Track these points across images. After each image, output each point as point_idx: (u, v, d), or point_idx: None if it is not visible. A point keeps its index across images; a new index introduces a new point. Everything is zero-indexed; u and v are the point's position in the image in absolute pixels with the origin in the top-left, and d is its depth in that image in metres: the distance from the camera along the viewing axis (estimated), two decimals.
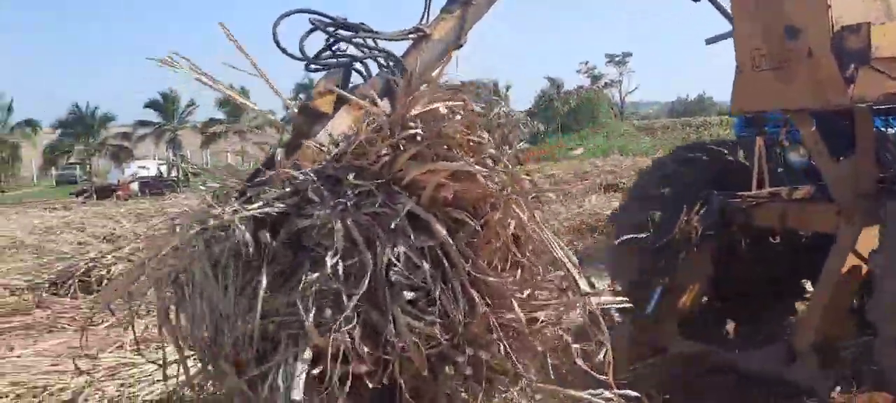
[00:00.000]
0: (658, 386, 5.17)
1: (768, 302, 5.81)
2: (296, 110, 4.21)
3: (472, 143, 3.54)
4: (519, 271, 3.44)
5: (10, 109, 55.55)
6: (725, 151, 6.17)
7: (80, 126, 56.24)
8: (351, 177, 3.45)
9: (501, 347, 3.29)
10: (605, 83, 66.84)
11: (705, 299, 6.03)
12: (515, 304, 3.26)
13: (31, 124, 57.15)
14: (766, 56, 4.51)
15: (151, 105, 58.69)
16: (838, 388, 4.19)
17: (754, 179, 5.98)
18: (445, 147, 3.49)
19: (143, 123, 59.65)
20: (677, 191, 5.88)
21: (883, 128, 5.42)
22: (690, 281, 5.63)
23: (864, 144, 4.67)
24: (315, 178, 3.53)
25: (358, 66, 4.41)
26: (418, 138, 3.48)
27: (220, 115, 59.03)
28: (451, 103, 3.58)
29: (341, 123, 3.96)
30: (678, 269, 5.64)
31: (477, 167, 3.36)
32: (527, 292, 3.41)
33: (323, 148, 3.77)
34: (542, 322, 3.42)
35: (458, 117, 3.54)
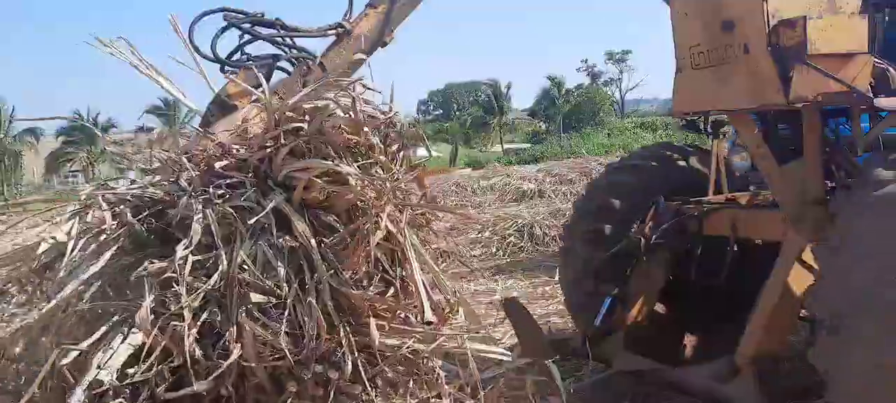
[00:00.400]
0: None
1: (725, 314, 5.51)
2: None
3: (359, 145, 3.33)
4: (390, 290, 3.20)
5: (11, 119, 55.63)
6: (677, 156, 5.90)
7: (82, 133, 56.29)
8: (219, 166, 3.27)
9: (351, 368, 3.07)
10: (605, 81, 66.53)
11: (663, 309, 5.78)
12: (372, 325, 3.01)
13: (33, 132, 57.28)
14: (704, 53, 4.23)
15: (153, 111, 58.70)
16: None
17: (711, 184, 5.73)
18: (325, 145, 3.29)
19: (144, 129, 59.60)
20: (629, 199, 5.63)
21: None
22: (641, 291, 5.36)
23: (812, 147, 4.37)
24: (188, 166, 3.38)
25: (280, 63, 4.25)
26: (300, 133, 3.30)
27: None
28: (339, 99, 3.37)
29: (245, 116, 3.78)
30: (629, 279, 5.39)
31: (349, 169, 3.15)
32: (400, 314, 3.18)
33: (211, 136, 3.61)
34: (407, 347, 3.18)
35: (346, 115, 3.33)
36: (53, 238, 3.45)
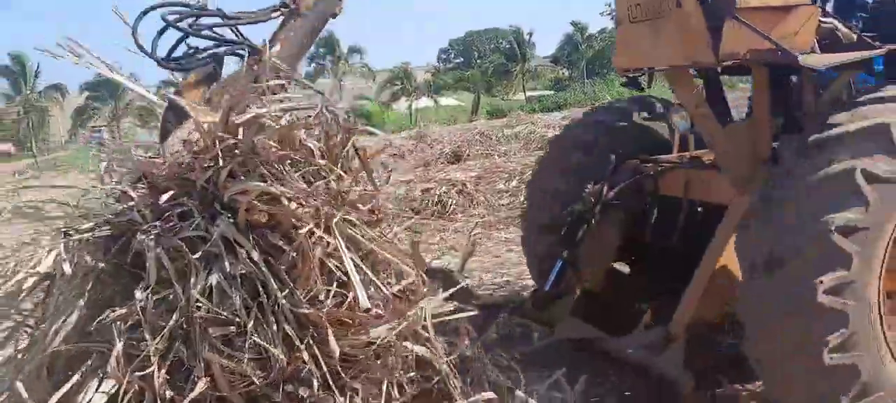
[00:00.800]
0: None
1: (683, 278, 5.32)
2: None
3: (297, 153, 3.19)
4: (350, 293, 3.11)
5: (36, 74, 56.28)
6: (644, 111, 5.61)
7: (107, 88, 56.74)
8: (165, 199, 3.15)
9: (320, 382, 2.99)
10: None
11: (622, 272, 5.61)
12: (330, 335, 2.94)
13: (58, 88, 57.89)
14: (640, 6, 3.98)
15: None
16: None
17: (675, 142, 5.48)
18: (261, 162, 3.14)
19: (168, 83, 59.92)
20: (589, 157, 5.40)
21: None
22: (594, 254, 5.17)
23: (761, 105, 4.14)
24: (135, 197, 3.27)
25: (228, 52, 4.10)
26: (235, 153, 3.15)
27: None
28: (265, 111, 3.23)
29: (193, 126, 3.61)
30: (581, 242, 5.19)
31: (281, 189, 3.03)
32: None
33: (154, 158, 3.48)
34: (378, 343, 3.09)
35: (275, 127, 3.23)
36: (35, 267, 3.38)
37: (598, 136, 5.53)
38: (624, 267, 5.61)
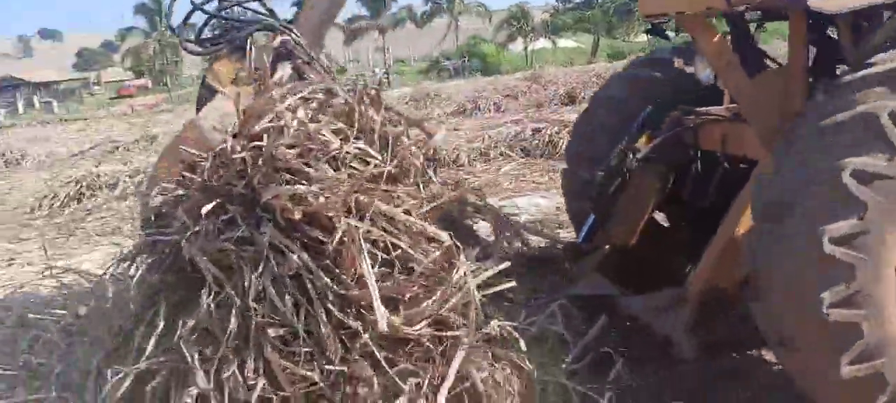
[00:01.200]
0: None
1: None
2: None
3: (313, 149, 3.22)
4: (394, 269, 3.09)
5: (170, 12, 59.30)
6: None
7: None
8: (205, 211, 3.19)
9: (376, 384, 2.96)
10: None
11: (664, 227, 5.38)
12: (377, 310, 2.90)
13: (191, 26, 60.89)
14: None
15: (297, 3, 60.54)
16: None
17: (725, 93, 5.12)
18: (282, 167, 3.18)
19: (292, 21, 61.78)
20: (638, 105, 5.14)
21: None
22: (629, 209, 4.97)
23: (797, 55, 3.79)
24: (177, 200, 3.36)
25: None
26: (258, 164, 3.21)
27: (364, 11, 60.71)
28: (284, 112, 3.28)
29: (227, 106, 3.67)
30: (614, 196, 4.99)
31: (303, 189, 3.06)
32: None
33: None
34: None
35: (290, 131, 3.24)
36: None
37: (657, 78, 5.27)
38: (664, 223, 5.39)
